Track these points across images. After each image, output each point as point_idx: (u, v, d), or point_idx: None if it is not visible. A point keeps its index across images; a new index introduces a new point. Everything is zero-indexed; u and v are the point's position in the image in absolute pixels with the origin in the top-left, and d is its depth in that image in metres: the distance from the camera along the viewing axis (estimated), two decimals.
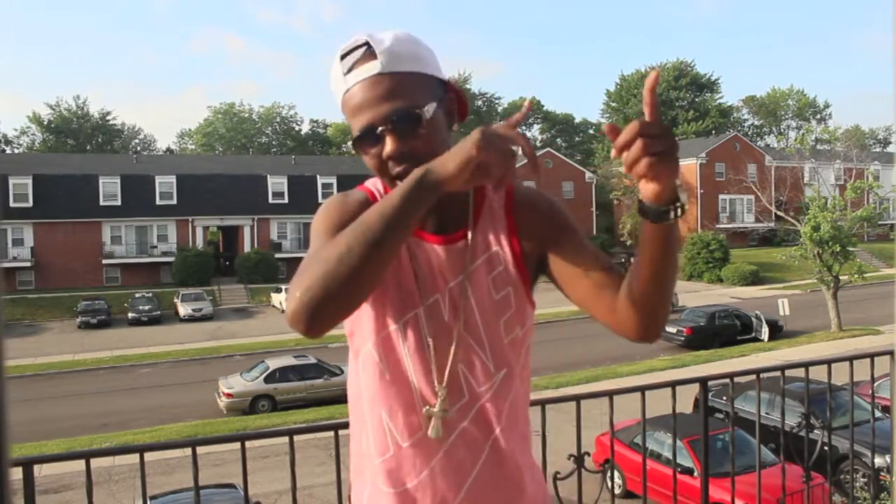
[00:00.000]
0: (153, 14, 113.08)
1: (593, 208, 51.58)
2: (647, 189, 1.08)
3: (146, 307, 32.85)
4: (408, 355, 1.25)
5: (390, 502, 1.26)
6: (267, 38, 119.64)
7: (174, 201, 40.62)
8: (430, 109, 1.20)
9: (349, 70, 1.21)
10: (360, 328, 1.28)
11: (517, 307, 1.30)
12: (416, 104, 1.18)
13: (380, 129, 1.19)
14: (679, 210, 1.08)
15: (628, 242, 48.33)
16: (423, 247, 1.28)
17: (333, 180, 43.57)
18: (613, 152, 1.06)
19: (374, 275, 1.08)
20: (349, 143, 1.25)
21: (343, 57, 1.22)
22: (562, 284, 1.31)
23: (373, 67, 1.19)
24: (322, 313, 1.06)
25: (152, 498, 9.15)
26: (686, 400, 10.33)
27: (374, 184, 1.36)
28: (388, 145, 1.19)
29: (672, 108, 66.52)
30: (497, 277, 1.29)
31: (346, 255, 1.05)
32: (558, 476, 2.68)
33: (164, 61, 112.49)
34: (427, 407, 1.24)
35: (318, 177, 43.81)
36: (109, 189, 39.62)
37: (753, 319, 25.24)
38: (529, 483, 1.34)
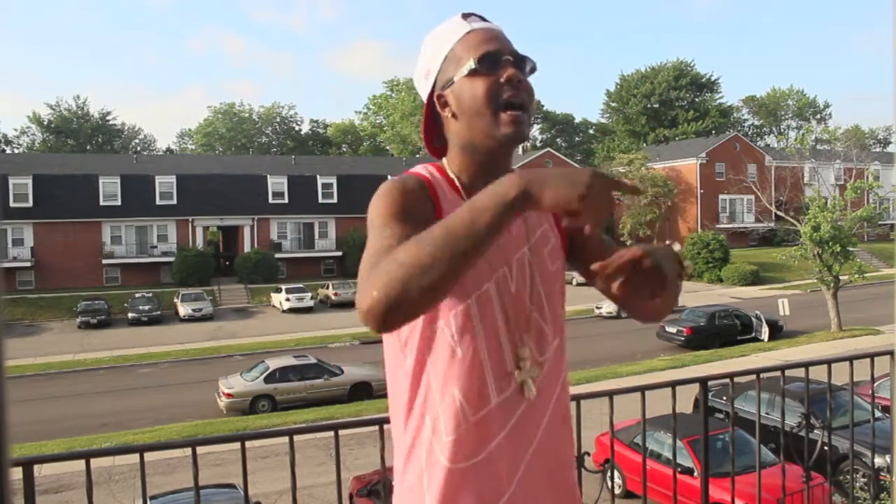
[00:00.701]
0: (152, 14, 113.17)
1: None
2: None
3: (146, 307, 32.84)
4: (480, 329, 1.27)
5: (462, 476, 1.27)
6: (266, 38, 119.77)
7: (174, 201, 40.62)
8: (533, 68, 1.34)
9: (472, 20, 1.34)
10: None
11: (563, 281, 1.43)
12: None
13: (505, 56, 1.28)
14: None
15: (628, 242, 48.26)
16: None
17: (333, 180, 43.55)
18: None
19: (455, 282, 1.09)
20: (464, 71, 1.28)
21: (467, 15, 1.35)
22: (584, 270, 1.41)
23: (496, 26, 1.35)
24: (399, 315, 1.06)
25: (152, 498, 9.14)
26: (686, 400, 10.34)
27: (427, 169, 1.37)
28: (510, 69, 1.28)
29: (672, 108, 66.53)
30: (551, 250, 1.40)
31: (429, 266, 1.04)
32: None
33: (164, 61, 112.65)
34: (517, 370, 1.29)
35: (318, 177, 43.78)
36: (109, 189, 39.61)
37: (753, 319, 25.23)
38: (569, 469, 1.41)
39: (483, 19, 1.35)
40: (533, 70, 1.33)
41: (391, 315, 1.05)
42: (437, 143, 1.42)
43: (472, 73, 1.28)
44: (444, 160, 1.39)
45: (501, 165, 1.34)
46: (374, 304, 1.05)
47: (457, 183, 1.35)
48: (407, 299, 1.04)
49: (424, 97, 1.39)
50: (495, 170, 1.32)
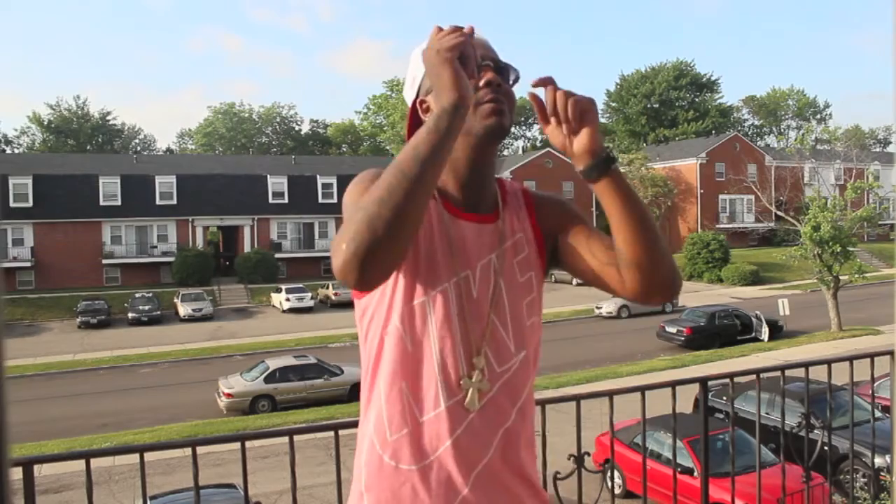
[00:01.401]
0: (151, 13, 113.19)
1: (593, 208, 51.44)
2: (580, 146, 1.26)
3: (146, 307, 32.84)
4: (434, 328, 1.26)
5: (404, 478, 1.25)
6: (265, 38, 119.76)
7: (174, 201, 40.62)
8: (517, 78, 1.35)
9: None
10: (382, 302, 1.28)
11: (537, 293, 1.39)
12: None
13: (485, 62, 1.30)
14: (611, 157, 1.26)
15: None
16: (457, 224, 1.32)
17: (333, 180, 43.55)
18: (542, 124, 1.28)
19: (418, 212, 1.11)
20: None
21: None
22: (573, 268, 1.42)
23: (482, 37, 1.36)
24: (373, 259, 1.07)
25: (152, 498, 9.14)
26: (686, 400, 10.33)
27: None
28: (489, 73, 1.30)
29: (672, 108, 66.53)
30: (522, 261, 1.37)
31: (386, 196, 1.07)
32: (558, 476, 2.67)
33: (163, 61, 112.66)
34: (465, 378, 1.26)
35: (318, 177, 43.79)
36: (109, 189, 39.61)
37: (753, 319, 25.24)
38: (534, 477, 1.36)
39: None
40: (517, 80, 1.34)
41: (367, 263, 1.07)
42: None
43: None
44: None
45: (481, 165, 1.33)
46: (348, 256, 1.06)
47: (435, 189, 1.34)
48: (376, 239, 1.05)
49: (409, 102, 1.42)
50: (473, 169, 1.33)
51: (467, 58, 1.21)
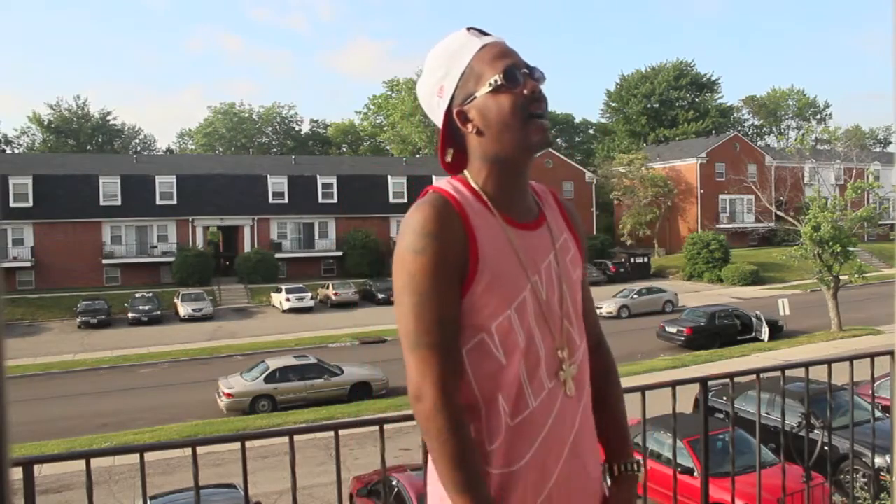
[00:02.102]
0: (150, 13, 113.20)
1: (593, 208, 51.61)
2: None
3: (146, 307, 32.83)
4: (522, 338, 1.33)
5: (507, 480, 1.32)
6: (264, 37, 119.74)
7: (174, 201, 40.60)
8: (544, 77, 1.41)
9: (474, 34, 1.39)
10: (467, 322, 1.32)
11: (585, 288, 1.51)
12: None
13: (523, 70, 1.34)
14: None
15: (628, 242, 48.34)
16: (518, 233, 1.38)
17: (333, 180, 43.54)
18: None
19: None
20: (488, 87, 1.33)
21: (469, 29, 1.41)
22: None
23: (502, 39, 1.41)
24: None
25: (152, 498, 9.14)
26: (686, 400, 10.33)
27: (452, 186, 1.39)
28: (531, 82, 1.34)
29: (672, 108, 66.50)
30: (572, 259, 1.47)
31: (444, 465, 1.27)
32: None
33: (163, 61, 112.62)
34: (560, 371, 1.37)
35: (318, 177, 43.78)
36: (109, 189, 39.59)
37: (753, 319, 25.22)
38: (598, 453, 1.50)
39: (483, 32, 1.40)
40: (543, 79, 1.39)
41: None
42: (448, 160, 1.45)
43: (497, 89, 1.32)
44: (466, 173, 1.41)
45: (524, 174, 1.41)
46: (426, 418, 1.28)
47: (483, 196, 1.38)
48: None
49: (439, 115, 1.40)
50: (518, 178, 1.40)
51: (517, 66, 1.33)
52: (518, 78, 1.32)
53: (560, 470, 1.36)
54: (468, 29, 1.39)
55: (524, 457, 1.32)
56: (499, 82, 1.31)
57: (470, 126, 1.36)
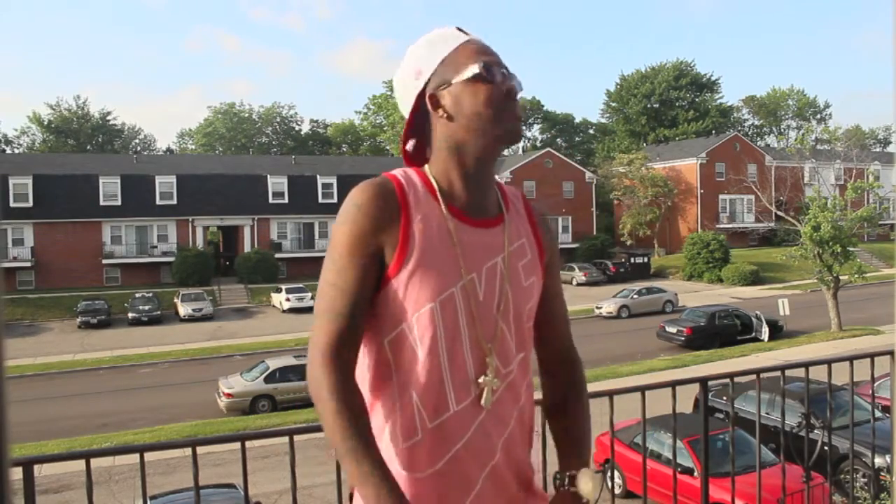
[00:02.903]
0: (149, 13, 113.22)
1: (593, 208, 51.58)
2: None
3: (146, 307, 32.83)
4: (442, 333, 1.27)
5: (419, 486, 1.26)
6: (263, 37, 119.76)
7: (174, 201, 40.61)
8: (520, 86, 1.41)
9: (467, 33, 1.39)
10: (388, 310, 1.28)
11: (537, 297, 1.42)
12: None
13: (503, 70, 1.33)
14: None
15: (628, 242, 48.34)
16: (462, 228, 1.33)
17: (333, 180, 43.54)
18: None
19: None
20: (466, 74, 1.32)
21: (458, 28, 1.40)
22: None
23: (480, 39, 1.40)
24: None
25: (152, 498, 9.14)
26: (686, 400, 10.33)
27: (405, 173, 1.36)
28: (510, 83, 1.34)
29: (672, 108, 66.51)
30: (526, 266, 1.39)
31: (327, 431, 1.21)
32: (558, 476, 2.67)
33: (163, 60, 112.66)
34: (483, 376, 1.30)
35: (318, 177, 43.79)
36: (109, 189, 39.60)
37: (753, 319, 25.22)
38: (531, 477, 1.40)
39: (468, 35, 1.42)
40: (521, 88, 1.36)
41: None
42: (409, 148, 1.42)
43: (475, 78, 1.30)
44: (426, 166, 1.38)
45: (487, 168, 1.36)
46: (310, 380, 1.24)
47: (434, 185, 1.34)
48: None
49: (411, 97, 1.38)
50: (478, 172, 1.35)
51: (498, 65, 1.33)
52: (496, 74, 1.31)
53: (482, 484, 1.29)
54: (457, 28, 1.39)
55: (435, 464, 1.26)
56: (477, 72, 1.30)
57: (440, 111, 1.33)
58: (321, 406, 1.21)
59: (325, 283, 1.28)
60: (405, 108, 1.40)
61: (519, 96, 1.35)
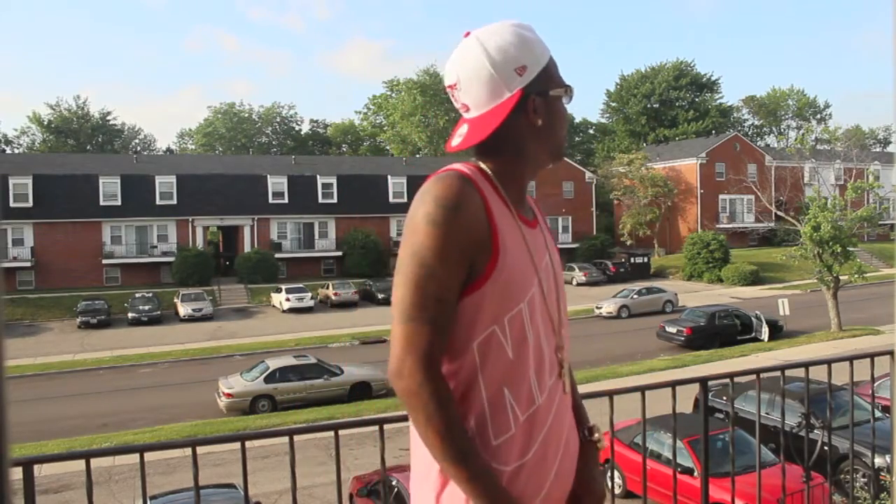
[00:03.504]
0: (149, 13, 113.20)
1: (593, 208, 51.59)
2: None
3: (146, 307, 32.83)
4: (530, 331, 1.34)
5: (510, 477, 1.31)
6: (262, 37, 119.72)
7: (174, 201, 40.61)
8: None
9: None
10: (480, 315, 1.29)
11: None
12: None
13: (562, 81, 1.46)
14: None
15: (628, 242, 48.34)
16: (526, 231, 1.41)
17: (333, 180, 43.56)
18: None
19: None
20: (560, 92, 1.43)
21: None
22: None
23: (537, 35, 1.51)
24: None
25: (152, 498, 9.14)
26: (686, 400, 10.33)
27: (474, 172, 1.34)
28: (567, 99, 1.46)
29: (672, 108, 66.51)
30: (558, 260, 1.53)
31: (430, 441, 1.24)
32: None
33: (162, 60, 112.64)
34: (561, 366, 1.42)
35: (318, 177, 43.79)
36: (109, 189, 39.60)
37: (753, 319, 25.22)
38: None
39: None
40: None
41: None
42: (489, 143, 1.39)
43: (564, 96, 1.42)
44: (488, 164, 1.38)
45: (528, 182, 1.47)
46: (403, 388, 1.24)
47: (499, 187, 1.36)
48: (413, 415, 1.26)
49: (508, 91, 1.34)
50: (530, 180, 1.47)
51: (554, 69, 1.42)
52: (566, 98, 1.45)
53: (557, 467, 1.38)
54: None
55: (528, 453, 1.32)
56: (566, 95, 1.42)
57: (536, 116, 1.37)
58: (428, 414, 1.22)
59: (415, 285, 1.25)
60: (484, 93, 1.35)
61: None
